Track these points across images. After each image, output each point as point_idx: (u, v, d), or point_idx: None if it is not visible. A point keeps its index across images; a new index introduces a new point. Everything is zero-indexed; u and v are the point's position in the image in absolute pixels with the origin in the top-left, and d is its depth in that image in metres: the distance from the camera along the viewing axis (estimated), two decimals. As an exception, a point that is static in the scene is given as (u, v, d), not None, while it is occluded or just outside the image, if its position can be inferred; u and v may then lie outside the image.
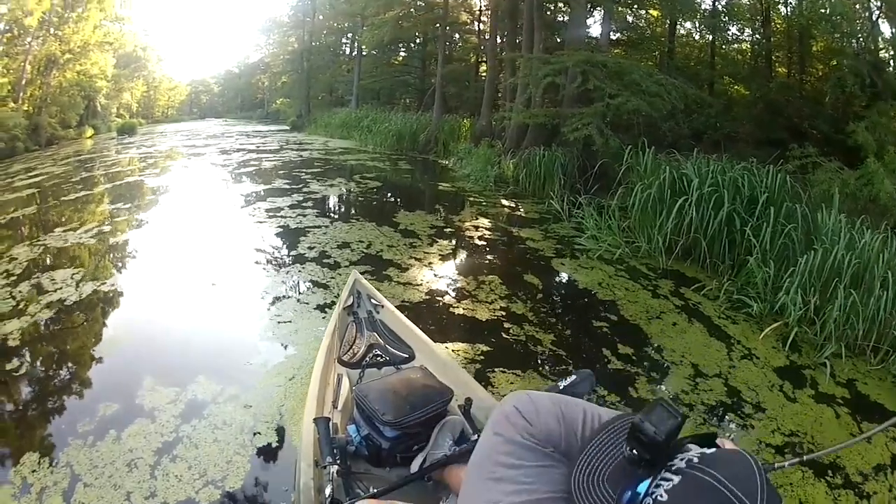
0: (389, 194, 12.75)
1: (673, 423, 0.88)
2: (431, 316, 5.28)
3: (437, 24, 22.16)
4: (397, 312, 3.76)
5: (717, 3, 16.38)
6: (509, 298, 5.66)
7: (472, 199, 11.45)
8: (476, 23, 26.52)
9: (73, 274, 6.72)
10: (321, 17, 36.09)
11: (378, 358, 3.16)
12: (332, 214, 10.12)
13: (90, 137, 34.88)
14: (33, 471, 3.12)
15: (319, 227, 8.72)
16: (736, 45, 17.22)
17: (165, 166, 19.10)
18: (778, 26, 15.95)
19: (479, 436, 1.32)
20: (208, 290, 6.07)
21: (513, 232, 8.64)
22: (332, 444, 2.21)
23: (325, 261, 6.91)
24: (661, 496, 0.81)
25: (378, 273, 6.40)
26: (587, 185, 10.12)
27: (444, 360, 3.23)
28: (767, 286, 5.45)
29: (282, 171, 15.92)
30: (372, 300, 3.81)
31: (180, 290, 6.17)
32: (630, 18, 17.25)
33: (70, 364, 4.63)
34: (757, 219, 6.35)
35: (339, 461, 2.16)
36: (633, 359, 4.42)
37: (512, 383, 3.90)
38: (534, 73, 12.31)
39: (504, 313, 5.27)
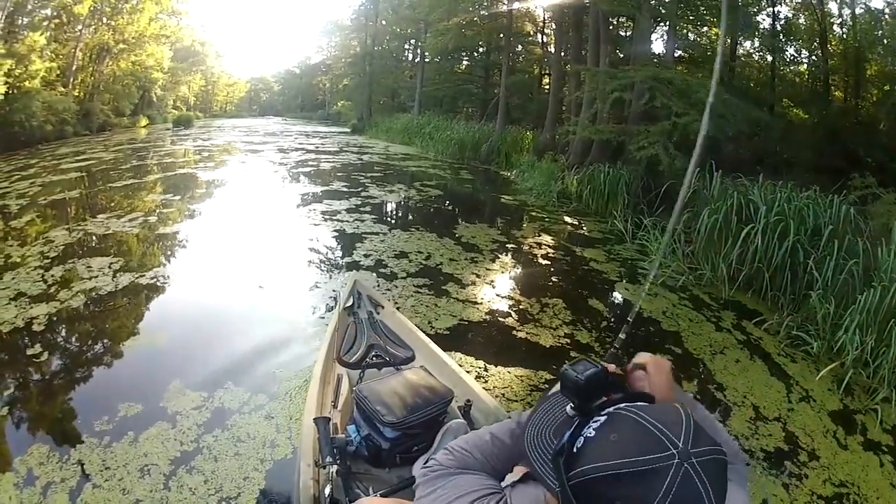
0: (450, 204, 12.76)
1: (594, 370, 1.00)
2: (492, 337, 5.18)
3: (501, 35, 22.27)
4: (398, 314, 3.88)
5: (775, 23, 16.11)
6: (574, 324, 5.52)
7: (534, 213, 11.46)
8: (539, 34, 26.48)
9: (112, 263, 6.73)
10: (384, 22, 36.56)
11: (378, 358, 3.20)
12: (390, 221, 10.13)
13: (144, 127, 35.87)
14: (41, 463, 3.09)
15: (377, 233, 8.66)
16: (793, 67, 16.82)
17: (221, 160, 19.41)
18: (835, 48, 15.57)
19: None
20: (254, 293, 6.02)
21: (576, 252, 8.49)
22: (332, 443, 2.26)
23: (380, 270, 6.82)
24: (590, 433, 0.89)
25: (436, 288, 6.30)
26: (651, 206, 10.05)
27: (444, 361, 3.28)
28: (827, 323, 5.31)
29: (340, 174, 16.15)
30: (372, 301, 3.89)
31: (224, 291, 6.15)
32: (691, 36, 17.05)
33: (95, 356, 4.57)
34: (820, 251, 6.19)
35: (338, 461, 2.21)
36: (697, 397, 4.13)
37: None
38: (600, 87, 12.29)
39: (569, 340, 5.15)
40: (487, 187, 15.67)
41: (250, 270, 6.82)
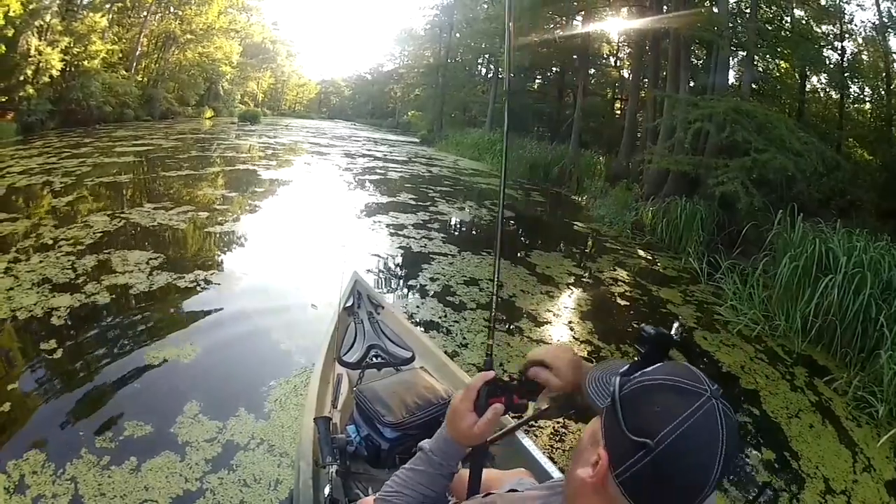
0: (522, 228, 12.67)
1: (664, 332, 1.16)
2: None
3: (576, 56, 22.36)
4: (398, 314, 3.88)
5: (843, 59, 15.78)
6: (655, 376, 5.43)
7: (608, 244, 11.39)
8: (613, 57, 26.42)
9: (150, 259, 6.40)
10: (458, 35, 36.89)
11: (378, 359, 3.19)
12: (459, 241, 9.76)
13: (209, 118, 36.60)
14: (34, 472, 2.93)
15: (445, 254, 8.35)
16: (857, 105, 16.43)
17: (285, 160, 19.52)
18: (898, 87, 15.03)
19: None
20: (305, 312, 5.62)
21: (652, 291, 8.27)
22: (332, 443, 2.26)
23: (448, 298, 6.43)
24: (648, 369, 0.98)
25: (510, 322, 6.01)
26: (726, 244, 9.98)
27: (443, 362, 3.30)
28: (892, 386, 5.08)
29: (408, 185, 16.11)
30: (372, 301, 3.85)
31: (270, 305, 5.69)
32: (760, 67, 16.78)
33: (112, 361, 4.22)
34: (893, 307, 5.95)
35: (338, 461, 2.21)
36: (775, 467, 4.07)
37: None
38: (681, 115, 12.27)
39: (652, 397, 4.98)
40: (559, 212, 15.60)
41: (302, 284, 6.48)
